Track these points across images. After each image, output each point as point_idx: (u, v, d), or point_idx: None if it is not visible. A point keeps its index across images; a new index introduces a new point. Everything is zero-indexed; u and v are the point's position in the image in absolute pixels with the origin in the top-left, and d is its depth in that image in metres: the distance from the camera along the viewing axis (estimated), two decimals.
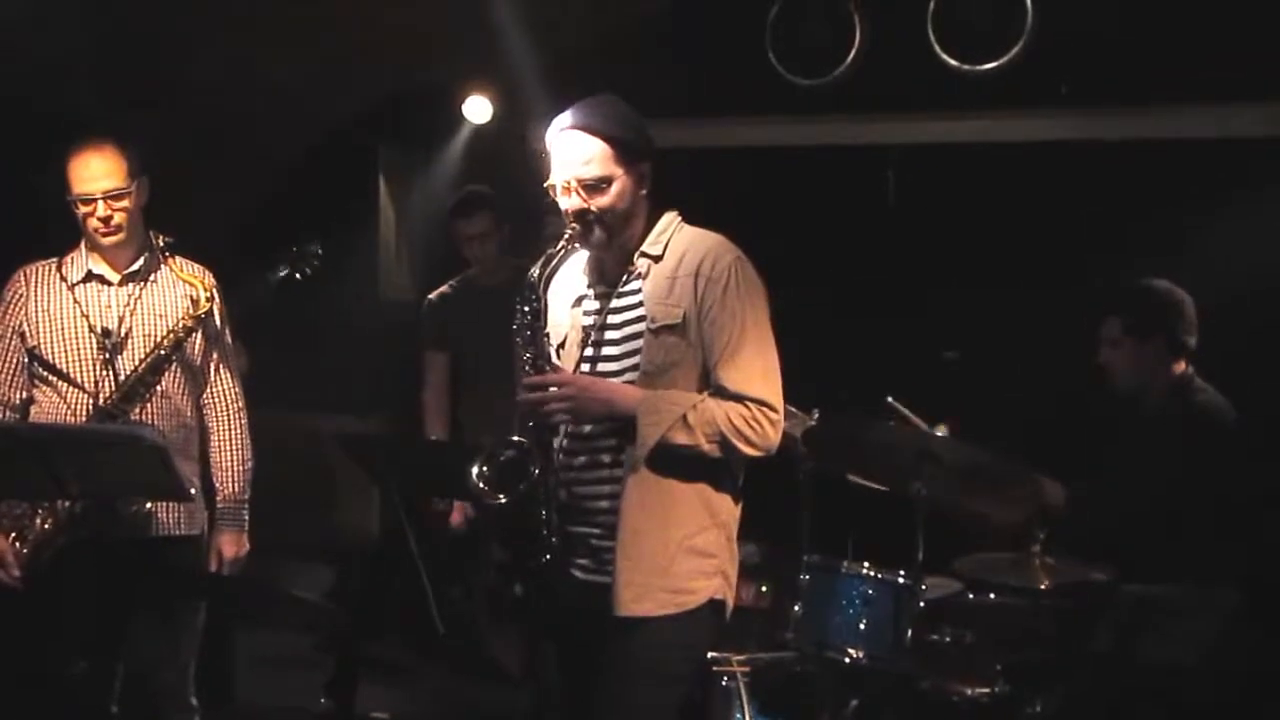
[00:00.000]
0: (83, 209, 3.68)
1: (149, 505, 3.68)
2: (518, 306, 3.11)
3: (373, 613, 5.19)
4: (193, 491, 3.64)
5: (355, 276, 5.91)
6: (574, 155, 3.06)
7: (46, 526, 3.63)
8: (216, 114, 4.82)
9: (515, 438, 3.08)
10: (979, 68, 4.99)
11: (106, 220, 3.67)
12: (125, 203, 3.69)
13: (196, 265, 3.86)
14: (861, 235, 5.42)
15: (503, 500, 3.02)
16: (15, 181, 5.00)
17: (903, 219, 5.42)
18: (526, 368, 3.10)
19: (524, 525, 3.07)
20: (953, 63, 5.02)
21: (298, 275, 4.01)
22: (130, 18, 4.81)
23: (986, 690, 3.98)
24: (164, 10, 4.80)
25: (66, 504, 3.60)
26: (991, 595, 4.25)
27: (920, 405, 4.31)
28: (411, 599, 5.49)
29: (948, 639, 4.13)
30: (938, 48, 5.02)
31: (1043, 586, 3.88)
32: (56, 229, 3.93)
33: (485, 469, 3.05)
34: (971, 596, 4.28)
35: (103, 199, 3.65)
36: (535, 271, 3.11)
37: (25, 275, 3.79)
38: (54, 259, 3.80)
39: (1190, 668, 3.75)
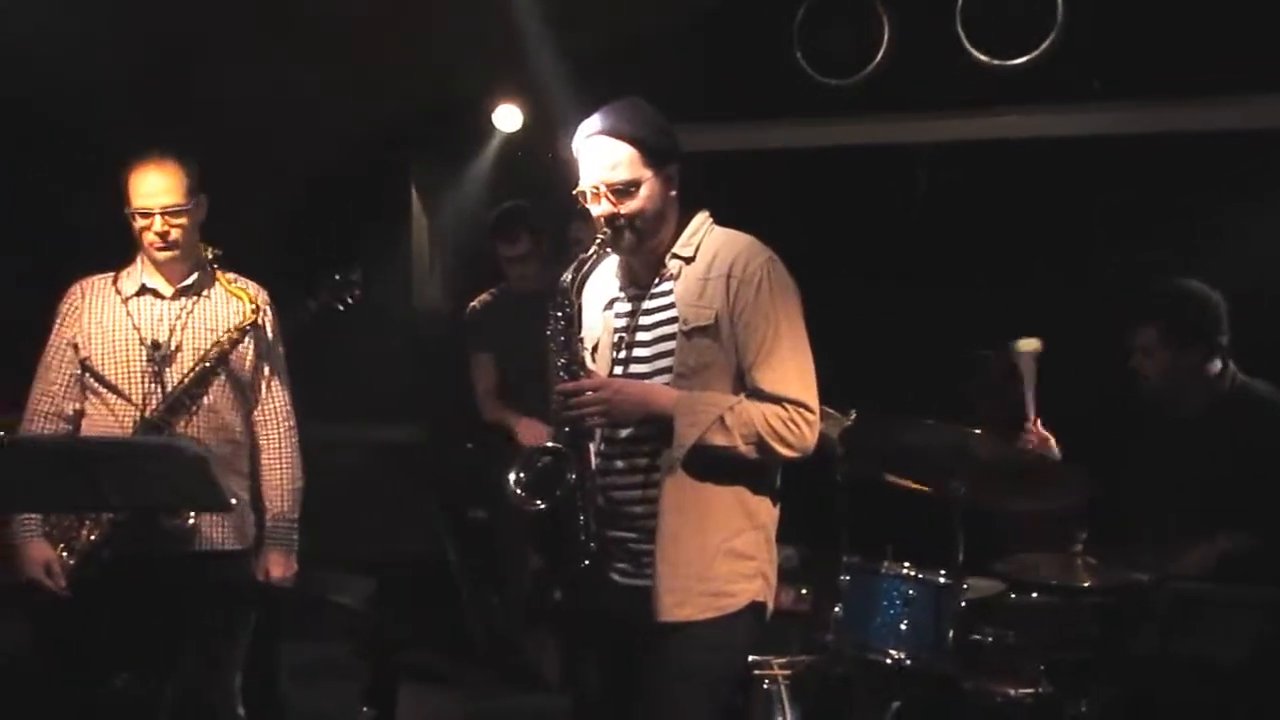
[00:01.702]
0: (140, 222, 3.71)
1: (192, 519, 3.68)
2: (551, 312, 3.12)
3: (412, 620, 5.21)
4: (234, 503, 3.64)
5: (389, 287, 5.94)
6: (601, 160, 3.06)
7: (92, 538, 3.65)
8: (249, 127, 4.85)
9: (551, 444, 3.09)
10: (1009, 63, 4.96)
11: (164, 235, 3.70)
12: (183, 219, 3.71)
13: (250, 282, 3.88)
14: (892, 234, 5.39)
15: (540, 506, 3.02)
16: (48, 198, 5.06)
17: (933, 217, 5.39)
18: (560, 374, 3.10)
19: (561, 531, 3.07)
20: (983, 59, 4.99)
21: (339, 306, 4.02)
22: (163, 33, 4.85)
23: (1030, 691, 3.94)
24: (196, 26, 4.84)
25: (110, 516, 3.62)
26: (1033, 595, 4.21)
27: (953, 405, 4.30)
28: (450, 607, 5.53)
29: (990, 639, 4.08)
30: (967, 44, 4.99)
31: (1085, 586, 3.86)
32: (89, 246, 3.96)
33: (522, 476, 3.06)
34: (1013, 596, 4.24)
35: (160, 214, 3.68)
36: (567, 277, 3.11)
37: (82, 288, 3.82)
38: (111, 272, 3.83)
39: (1235, 665, 3.71)
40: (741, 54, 5.44)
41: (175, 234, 3.70)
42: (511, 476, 3.06)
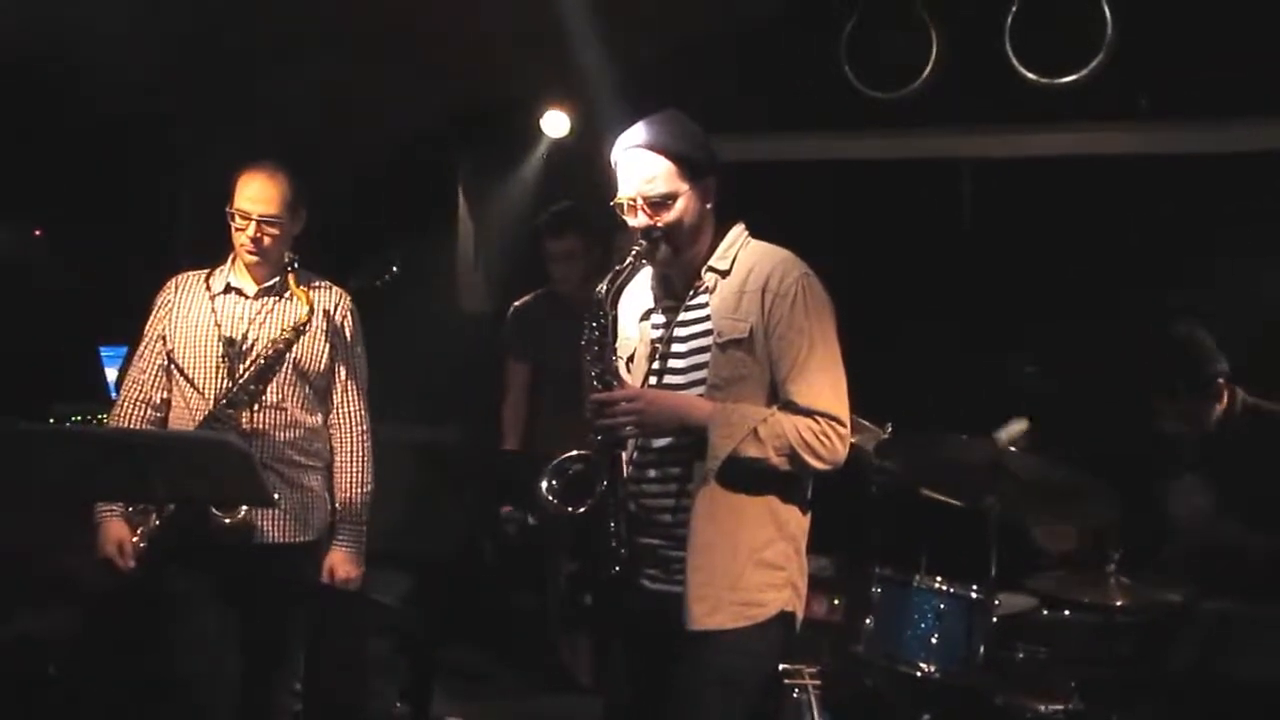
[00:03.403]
0: (237, 223, 3.81)
1: (241, 514, 3.73)
2: (586, 322, 3.14)
3: (448, 619, 5.26)
4: (276, 498, 3.70)
5: (434, 289, 6.00)
6: (638, 173, 3.09)
7: (156, 524, 3.74)
8: (298, 128, 4.92)
9: (582, 451, 3.12)
10: (1057, 81, 4.95)
11: (256, 241, 3.79)
12: (276, 230, 3.81)
13: (335, 286, 3.96)
14: (937, 249, 5.40)
15: (570, 513, 3.06)
16: (112, 192, 5.17)
17: (979, 232, 5.39)
18: (594, 383, 3.12)
19: (593, 537, 3.10)
20: (1030, 76, 4.98)
21: (377, 283, 4.07)
22: (217, 35, 4.93)
23: (1061, 707, 3.96)
24: (248, 27, 4.92)
25: (171, 506, 3.71)
26: (1066, 612, 4.21)
27: (997, 419, 4.31)
28: (485, 607, 5.58)
29: (1021, 655, 4.11)
30: (1015, 61, 4.99)
31: (1118, 604, 3.86)
32: (143, 239, 4.02)
33: (553, 482, 3.10)
34: (1046, 613, 4.25)
35: (257, 220, 3.78)
36: (602, 288, 3.14)
37: (176, 282, 3.93)
38: (205, 269, 3.93)
39: (1276, 687, 3.71)
40: (789, 65, 5.46)
41: (267, 242, 3.80)
42: (543, 483, 3.09)
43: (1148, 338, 4.20)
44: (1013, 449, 4.02)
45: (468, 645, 5.40)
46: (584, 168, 5.46)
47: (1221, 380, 3.98)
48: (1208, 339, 4.01)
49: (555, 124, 5.84)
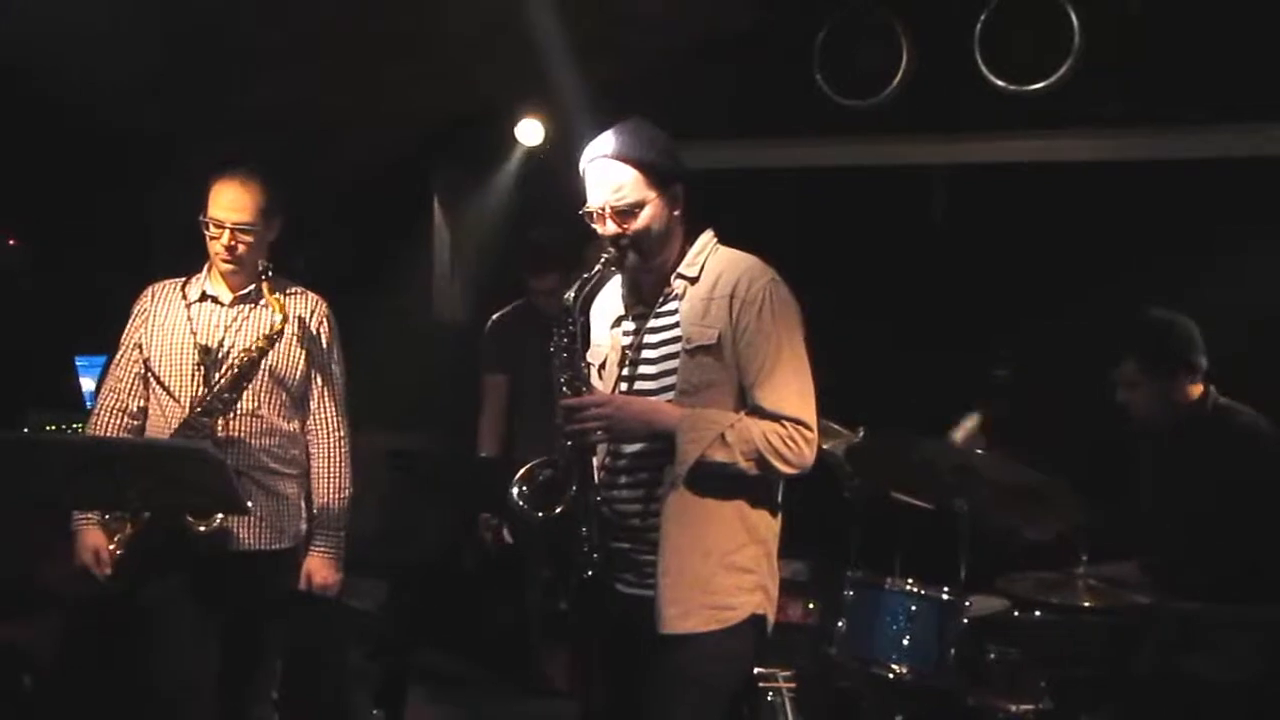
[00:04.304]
0: (211, 231, 3.83)
1: (217, 521, 3.74)
2: (555, 330, 3.18)
3: (427, 625, 5.28)
4: (250, 506, 3.72)
5: (410, 297, 6.02)
6: (605, 183, 3.13)
7: (132, 531, 3.74)
8: (274, 138, 4.94)
9: (552, 458, 3.15)
10: (1026, 88, 5.00)
11: (230, 249, 3.82)
12: (250, 238, 3.83)
13: (311, 294, 4.00)
14: (909, 255, 5.43)
15: (541, 518, 3.09)
16: (93, 200, 5.19)
17: (950, 239, 5.44)
18: (564, 389, 3.15)
19: (566, 543, 3.13)
20: (999, 83, 5.03)
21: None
22: (196, 45, 4.95)
23: (1032, 707, 3.98)
24: (228, 38, 4.93)
25: (146, 514, 3.72)
26: (1036, 613, 4.25)
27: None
28: (462, 612, 5.60)
29: (992, 656, 4.13)
30: (984, 68, 5.03)
31: (1086, 605, 3.90)
32: (114, 245, 4.01)
33: (524, 489, 3.13)
34: (1017, 614, 4.29)
35: (231, 228, 3.80)
36: (570, 295, 3.17)
37: (153, 291, 3.96)
38: (181, 278, 3.96)
39: (1235, 685, 3.75)
40: (763, 74, 5.50)
41: (241, 250, 3.83)
42: (514, 490, 3.13)
43: (1130, 316, 4.20)
44: (973, 447, 4.06)
45: (446, 651, 5.42)
46: (559, 176, 5.50)
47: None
48: (1191, 328, 4.04)
49: (530, 132, 5.87)
